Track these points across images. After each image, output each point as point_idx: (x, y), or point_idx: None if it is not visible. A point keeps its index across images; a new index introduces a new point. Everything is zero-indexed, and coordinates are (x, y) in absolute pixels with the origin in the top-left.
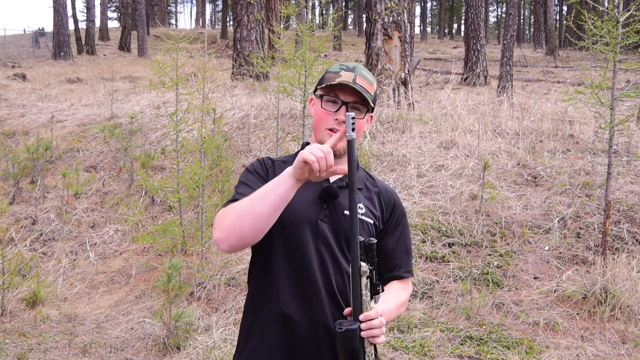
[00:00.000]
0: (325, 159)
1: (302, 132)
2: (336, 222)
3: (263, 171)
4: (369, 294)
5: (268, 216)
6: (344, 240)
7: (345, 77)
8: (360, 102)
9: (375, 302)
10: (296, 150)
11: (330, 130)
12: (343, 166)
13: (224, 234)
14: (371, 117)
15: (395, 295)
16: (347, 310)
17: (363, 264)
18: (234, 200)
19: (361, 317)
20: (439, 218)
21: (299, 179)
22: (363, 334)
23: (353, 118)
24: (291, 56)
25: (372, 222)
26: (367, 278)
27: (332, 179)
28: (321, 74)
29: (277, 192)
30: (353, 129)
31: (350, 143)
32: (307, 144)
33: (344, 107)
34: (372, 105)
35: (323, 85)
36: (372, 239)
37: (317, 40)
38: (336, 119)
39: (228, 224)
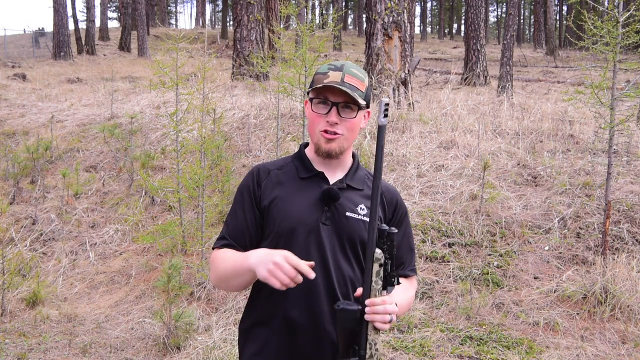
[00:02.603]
0: (293, 281)
1: (302, 132)
2: (338, 224)
3: (254, 187)
4: (380, 282)
5: (240, 287)
6: (347, 242)
7: (333, 77)
8: (350, 101)
9: (388, 293)
10: (295, 151)
11: (324, 132)
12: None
13: (215, 283)
14: (368, 112)
15: (405, 290)
16: (358, 292)
17: (378, 250)
18: (223, 238)
19: (367, 301)
20: (439, 218)
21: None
22: (366, 317)
23: (386, 104)
24: (291, 56)
25: None
26: (380, 266)
27: (332, 180)
28: None
29: (242, 278)
30: (385, 115)
31: (380, 129)
32: (307, 145)
33: (334, 109)
34: (365, 102)
35: (312, 88)
36: (394, 228)
37: (317, 40)
38: (327, 121)
39: (214, 278)
